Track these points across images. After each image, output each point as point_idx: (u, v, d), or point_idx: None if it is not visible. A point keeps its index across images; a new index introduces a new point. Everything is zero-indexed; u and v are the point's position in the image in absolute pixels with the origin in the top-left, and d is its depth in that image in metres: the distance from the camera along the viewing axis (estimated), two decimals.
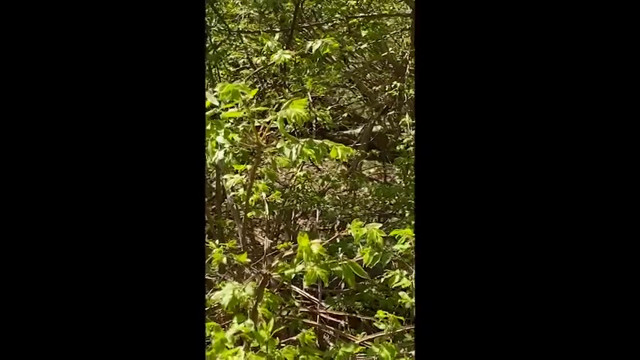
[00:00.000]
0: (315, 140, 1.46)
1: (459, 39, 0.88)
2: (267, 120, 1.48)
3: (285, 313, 2.12)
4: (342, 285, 2.70)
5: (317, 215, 3.28)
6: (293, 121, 1.44)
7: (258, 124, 1.52)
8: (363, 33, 2.85)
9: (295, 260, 1.37)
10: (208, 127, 1.45)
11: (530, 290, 0.86)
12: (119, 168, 0.87)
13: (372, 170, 4.40)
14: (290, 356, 1.41)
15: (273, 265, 1.36)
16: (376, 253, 1.60)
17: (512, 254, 0.87)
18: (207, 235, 2.79)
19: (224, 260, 1.48)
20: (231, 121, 1.51)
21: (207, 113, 1.48)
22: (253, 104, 1.51)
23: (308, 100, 2.76)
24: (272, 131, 1.57)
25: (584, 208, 0.85)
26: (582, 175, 0.86)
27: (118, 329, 0.87)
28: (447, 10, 0.88)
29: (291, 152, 1.46)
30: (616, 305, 0.84)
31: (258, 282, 1.41)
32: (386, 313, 1.51)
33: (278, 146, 1.49)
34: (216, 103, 1.48)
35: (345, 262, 1.41)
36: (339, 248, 2.50)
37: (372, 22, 2.99)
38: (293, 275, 1.40)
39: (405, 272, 1.73)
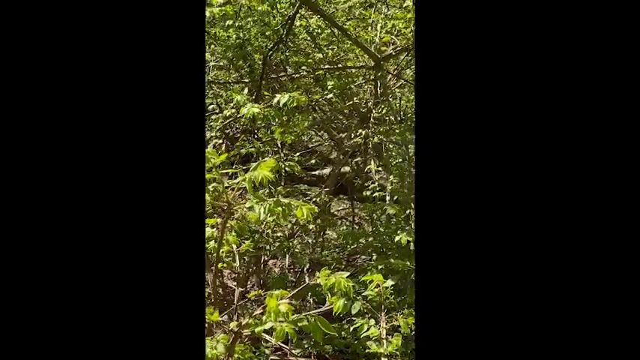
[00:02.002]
0: (281, 199, 1.53)
1: (458, 40, 0.90)
2: (236, 181, 1.54)
3: None
4: None
5: (287, 258, 3.33)
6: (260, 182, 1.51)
7: (227, 185, 1.59)
8: (329, 83, 2.96)
9: (265, 318, 1.42)
10: None
11: (530, 291, 0.87)
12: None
13: (340, 208, 4.48)
14: None
15: (244, 323, 1.40)
16: (345, 302, 1.66)
17: (512, 255, 0.88)
18: None
19: None
20: None
21: None
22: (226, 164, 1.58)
23: (279, 152, 2.84)
24: (241, 190, 1.63)
25: (583, 210, 0.86)
26: (581, 178, 0.86)
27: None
28: (447, 10, 0.90)
29: (259, 210, 1.53)
30: (615, 306, 0.86)
31: (229, 339, 1.45)
32: None
33: (247, 205, 1.56)
34: None
35: (313, 317, 1.46)
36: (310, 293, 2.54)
37: (337, 73, 3.12)
38: (262, 331, 1.45)
39: (373, 321, 1.79)
